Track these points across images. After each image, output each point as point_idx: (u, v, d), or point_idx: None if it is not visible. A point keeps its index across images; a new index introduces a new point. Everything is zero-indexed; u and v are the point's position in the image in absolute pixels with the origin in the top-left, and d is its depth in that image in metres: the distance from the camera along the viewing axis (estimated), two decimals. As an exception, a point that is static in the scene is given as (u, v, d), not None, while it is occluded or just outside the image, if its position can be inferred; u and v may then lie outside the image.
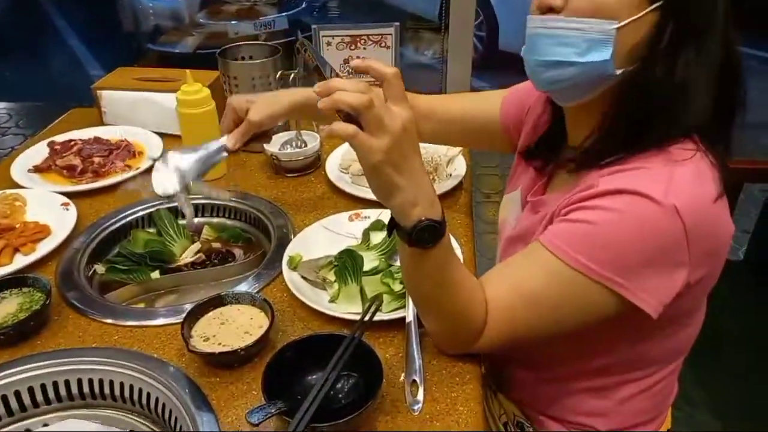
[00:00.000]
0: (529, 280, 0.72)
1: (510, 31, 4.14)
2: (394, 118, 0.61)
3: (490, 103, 1.02)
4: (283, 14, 4.30)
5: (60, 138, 1.34)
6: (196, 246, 1.14)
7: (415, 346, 0.80)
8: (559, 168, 0.86)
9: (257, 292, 0.92)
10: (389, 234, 0.71)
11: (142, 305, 1.03)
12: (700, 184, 0.67)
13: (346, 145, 1.34)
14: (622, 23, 0.67)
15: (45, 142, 1.32)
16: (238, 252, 1.15)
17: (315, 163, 1.30)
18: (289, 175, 1.27)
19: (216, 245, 1.16)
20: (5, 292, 0.90)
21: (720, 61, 0.69)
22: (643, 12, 0.67)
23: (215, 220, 1.20)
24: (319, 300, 0.90)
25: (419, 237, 0.67)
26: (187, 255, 1.12)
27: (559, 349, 0.84)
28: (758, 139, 3.25)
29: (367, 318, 0.80)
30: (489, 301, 0.74)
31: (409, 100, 0.65)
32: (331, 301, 0.91)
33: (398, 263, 0.95)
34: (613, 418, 0.88)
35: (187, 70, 1.17)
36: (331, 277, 0.93)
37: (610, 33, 0.67)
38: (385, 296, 0.87)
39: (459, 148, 1.24)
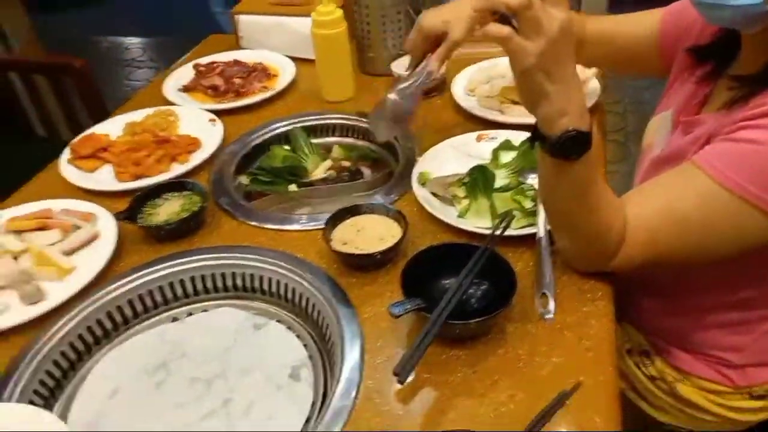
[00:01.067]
0: (678, 200, 0.70)
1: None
2: (552, 20, 0.60)
3: (645, 24, 0.96)
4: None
5: (204, 60, 1.43)
6: (328, 163, 1.20)
7: (546, 261, 0.81)
8: (721, 86, 0.81)
9: (389, 205, 0.96)
10: (531, 144, 0.71)
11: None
12: None
13: (472, 68, 1.32)
14: None
15: (191, 64, 1.43)
16: (366, 170, 1.20)
17: (441, 86, 1.30)
18: (415, 97, 1.29)
19: (345, 163, 1.21)
20: (168, 194, 1.01)
21: None
22: None
23: (345, 140, 1.26)
24: (449, 214, 0.93)
25: (564, 147, 0.66)
26: (319, 171, 1.19)
27: (699, 279, 0.82)
28: None
29: (498, 232, 0.81)
30: (630, 220, 0.72)
31: None
32: (460, 216, 0.93)
33: (529, 181, 0.95)
34: (749, 354, 0.85)
35: (323, -8, 1.20)
36: (461, 193, 0.95)
37: None
38: (515, 213, 0.88)
39: (593, 70, 1.19)
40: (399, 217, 0.90)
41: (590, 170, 0.69)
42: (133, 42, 4.46)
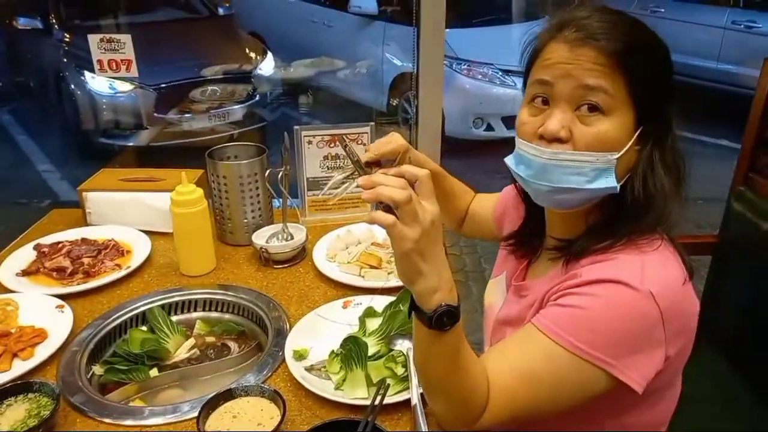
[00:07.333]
0: (528, 362, 0.79)
1: (453, 119, 4.42)
2: (426, 212, 0.70)
3: (489, 202, 1.18)
4: (236, 106, 4.55)
5: (46, 240, 1.35)
6: (190, 342, 1.16)
7: (422, 426, 0.85)
8: (541, 257, 0.95)
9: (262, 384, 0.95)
10: (409, 315, 0.77)
11: (142, 403, 1.04)
12: (667, 269, 0.78)
13: (330, 236, 1.41)
14: (621, 152, 0.78)
15: (30, 245, 1.34)
16: (232, 345, 1.18)
17: (301, 254, 1.36)
18: (277, 266, 1.33)
19: (210, 339, 1.18)
20: (9, 399, 0.90)
21: (678, 165, 0.82)
22: (633, 139, 0.78)
23: (208, 314, 1.24)
24: (325, 387, 0.95)
25: (438, 321, 0.73)
26: (182, 351, 1.15)
27: (551, 426, 0.90)
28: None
29: (377, 402, 0.84)
30: (491, 383, 0.79)
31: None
32: (337, 388, 0.95)
33: (397, 347, 1.01)
34: None
35: (182, 172, 1.24)
36: (335, 365, 0.97)
37: (613, 162, 0.78)
38: (389, 380, 0.92)
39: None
40: (276, 397, 0.89)
41: (460, 337, 0.77)
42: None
